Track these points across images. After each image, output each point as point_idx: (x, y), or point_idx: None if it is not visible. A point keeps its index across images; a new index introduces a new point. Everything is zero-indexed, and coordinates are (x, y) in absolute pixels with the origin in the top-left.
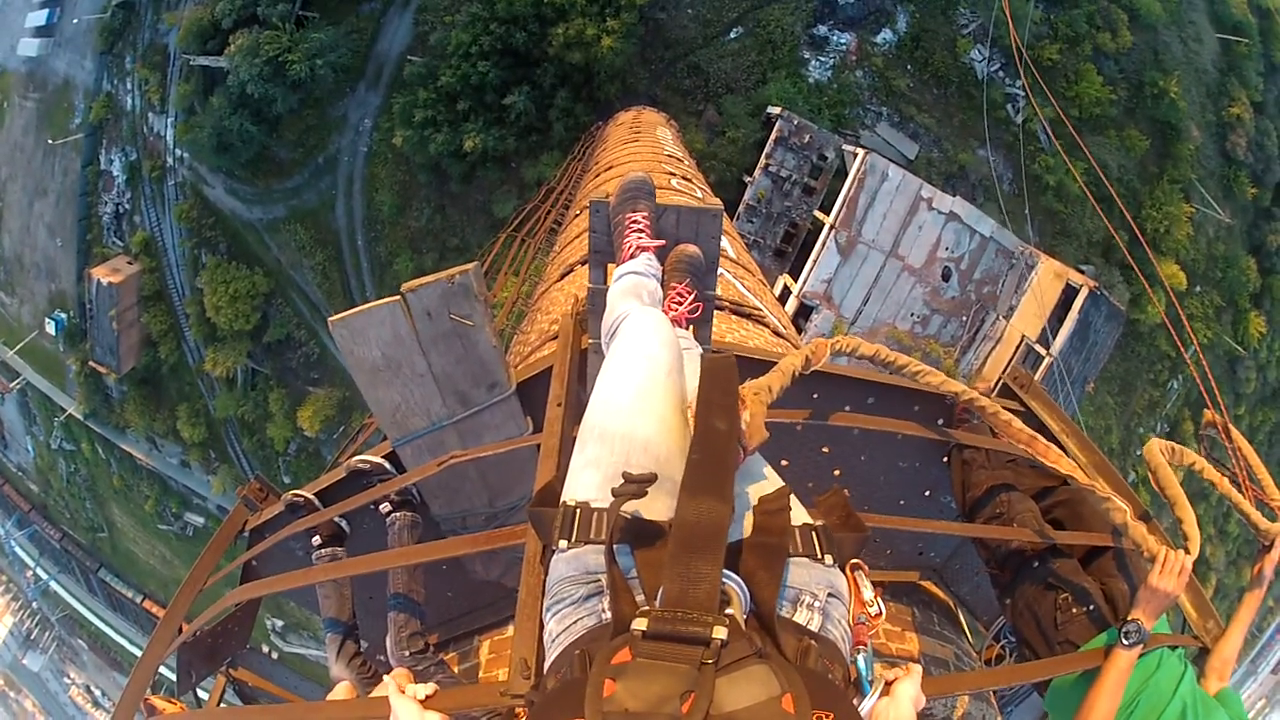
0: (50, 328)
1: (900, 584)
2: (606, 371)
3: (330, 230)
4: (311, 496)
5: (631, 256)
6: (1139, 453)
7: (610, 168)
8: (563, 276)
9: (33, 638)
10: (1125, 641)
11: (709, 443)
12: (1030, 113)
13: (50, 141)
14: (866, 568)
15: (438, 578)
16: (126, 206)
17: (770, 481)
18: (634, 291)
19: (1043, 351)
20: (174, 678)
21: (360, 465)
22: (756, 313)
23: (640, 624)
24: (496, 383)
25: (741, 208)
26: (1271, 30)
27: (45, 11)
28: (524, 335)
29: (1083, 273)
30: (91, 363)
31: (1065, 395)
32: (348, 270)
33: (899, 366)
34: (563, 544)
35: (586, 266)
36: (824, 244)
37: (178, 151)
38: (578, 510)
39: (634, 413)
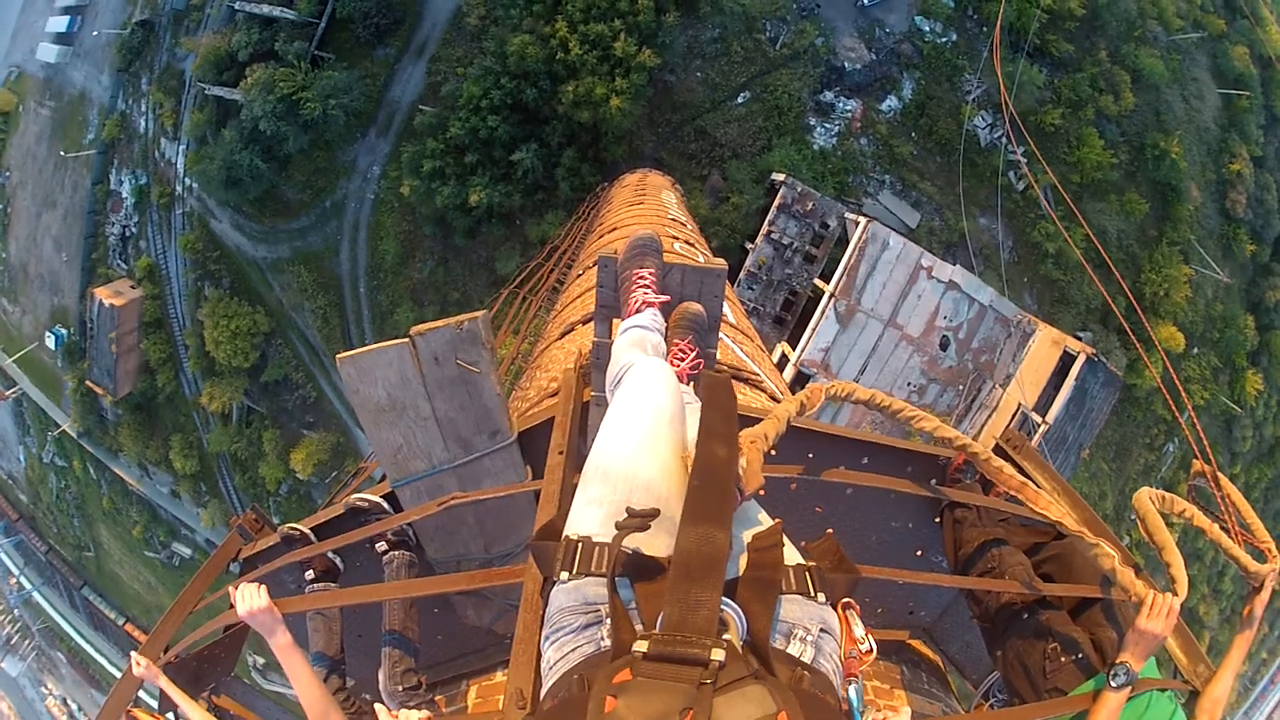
0: (50, 342)
1: (889, 642)
2: (611, 416)
3: (333, 275)
4: (307, 530)
5: (637, 311)
6: (1134, 517)
7: (614, 229)
8: (563, 335)
9: (12, 643)
10: (1113, 683)
11: (709, 470)
12: (1038, 172)
13: (62, 154)
14: (858, 607)
15: (429, 620)
16: (133, 230)
17: (764, 526)
18: (639, 344)
19: (1038, 419)
20: (153, 703)
21: (359, 503)
22: (754, 378)
23: (641, 646)
24: (499, 430)
25: (743, 274)
26: (1272, 79)
27: (66, 19)
28: (522, 391)
29: (1080, 339)
30: (89, 382)
31: (1060, 463)
32: (348, 316)
33: (894, 411)
34: (564, 575)
35: (587, 325)
36: (823, 312)
37: (187, 180)
38: (580, 544)
39: (637, 456)
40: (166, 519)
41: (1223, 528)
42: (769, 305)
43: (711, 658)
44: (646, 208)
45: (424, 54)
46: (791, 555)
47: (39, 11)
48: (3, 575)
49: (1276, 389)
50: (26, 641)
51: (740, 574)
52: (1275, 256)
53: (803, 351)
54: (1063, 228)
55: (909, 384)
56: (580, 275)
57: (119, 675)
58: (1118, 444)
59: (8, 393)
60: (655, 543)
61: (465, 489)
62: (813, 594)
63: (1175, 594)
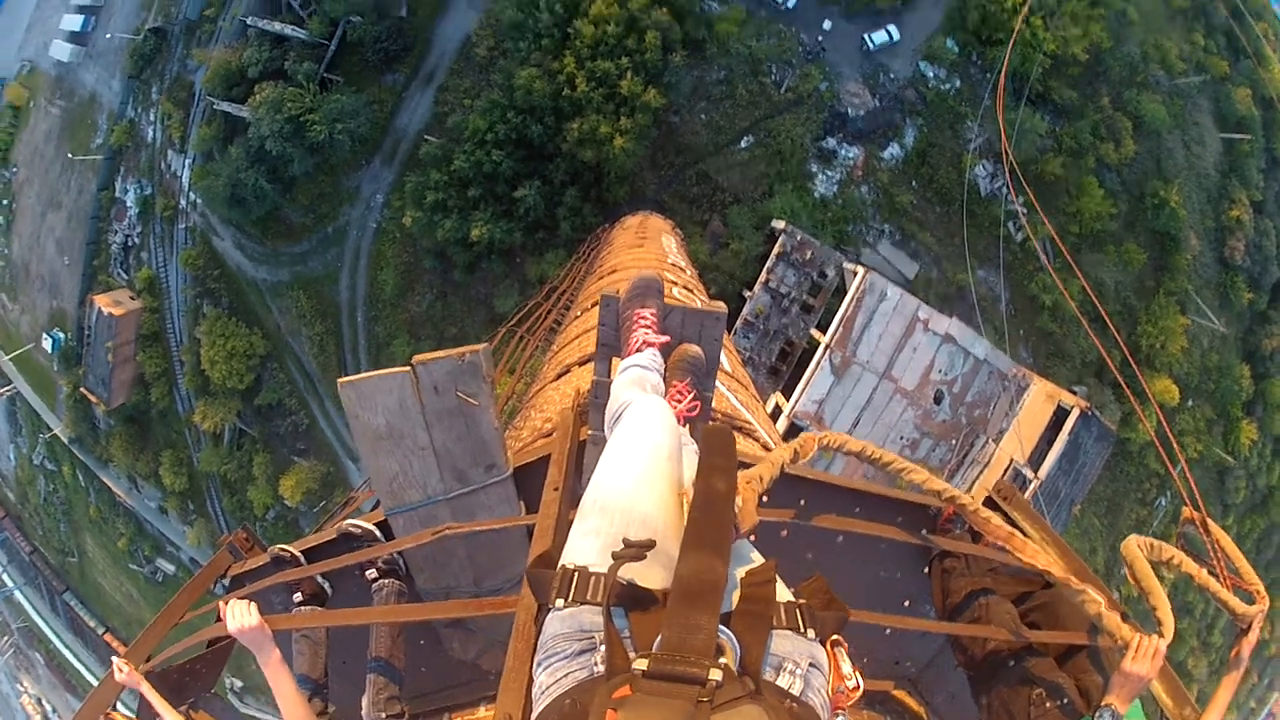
0: (47, 344)
1: (874, 692)
2: (610, 451)
3: (332, 302)
4: (298, 553)
5: (637, 350)
6: (1124, 572)
7: (614, 271)
8: (559, 376)
9: None
10: None
11: (709, 502)
12: (1035, 225)
13: (70, 155)
14: (846, 645)
15: (415, 651)
16: (135, 240)
17: (758, 564)
18: (638, 383)
19: (1030, 474)
20: (129, 713)
21: (351, 529)
22: (748, 426)
23: (641, 664)
24: (495, 464)
25: (739, 322)
26: (1274, 121)
27: (81, 17)
28: (516, 431)
29: (1075, 394)
30: (83, 389)
31: (1052, 518)
32: (345, 345)
33: (885, 463)
34: (559, 603)
35: (583, 367)
36: (818, 364)
37: (192, 195)
38: (576, 573)
39: (635, 490)
40: (152, 533)
41: (1211, 572)
42: (764, 355)
43: (710, 677)
44: (647, 251)
45: (432, 82)
46: (783, 593)
47: (54, 7)
48: None
49: (1271, 438)
50: (4, 638)
51: (734, 607)
52: (1273, 304)
53: (796, 403)
54: (1059, 281)
55: (902, 438)
56: (579, 316)
57: (95, 683)
58: (1110, 499)
59: (2, 390)
60: (650, 575)
61: (459, 520)
62: (803, 630)
63: (1161, 636)
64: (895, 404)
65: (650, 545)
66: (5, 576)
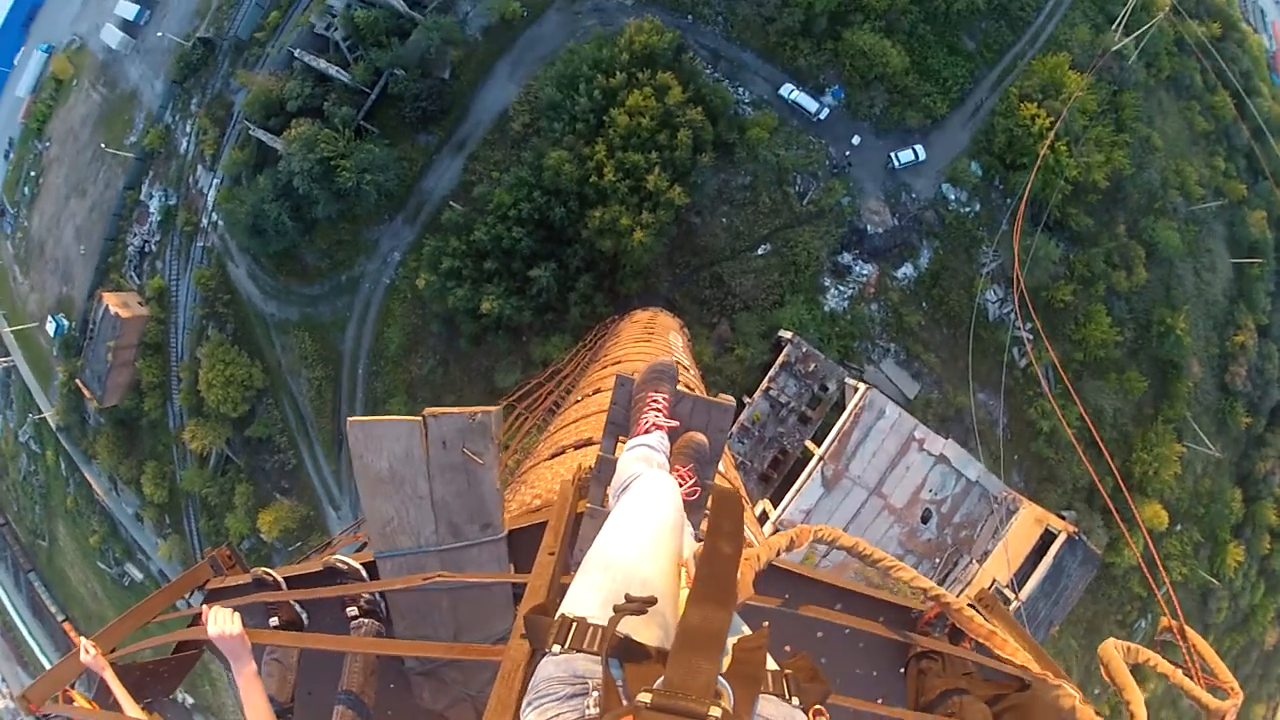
0: (50, 328)
1: None
2: (619, 515)
3: (335, 350)
4: (280, 578)
5: (646, 431)
6: (1098, 691)
7: (619, 362)
8: (553, 456)
9: None
10: None
11: (715, 562)
12: (1041, 350)
13: (103, 146)
14: (828, 714)
15: (384, 696)
16: (153, 248)
17: (748, 634)
18: (645, 460)
19: (1011, 595)
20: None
21: (338, 564)
22: None
23: (645, 697)
24: (491, 523)
25: (736, 427)
26: None
27: (136, 8)
28: (504, 504)
29: (1064, 518)
30: (78, 381)
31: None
32: (342, 395)
33: (874, 560)
34: (556, 648)
35: (579, 450)
36: (810, 475)
37: (214, 216)
38: (575, 623)
39: (639, 553)
40: (125, 538)
41: (1186, 673)
42: (757, 461)
43: (709, 714)
44: (653, 346)
45: (463, 150)
46: (770, 663)
47: None
48: None
49: (1257, 558)
50: None
51: (726, 669)
52: (1270, 426)
53: (784, 511)
54: (1058, 408)
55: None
56: (579, 401)
57: (48, 665)
58: (1089, 621)
59: (0, 360)
60: (646, 632)
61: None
62: (788, 697)
63: None
64: (882, 520)
65: (652, 601)
66: None
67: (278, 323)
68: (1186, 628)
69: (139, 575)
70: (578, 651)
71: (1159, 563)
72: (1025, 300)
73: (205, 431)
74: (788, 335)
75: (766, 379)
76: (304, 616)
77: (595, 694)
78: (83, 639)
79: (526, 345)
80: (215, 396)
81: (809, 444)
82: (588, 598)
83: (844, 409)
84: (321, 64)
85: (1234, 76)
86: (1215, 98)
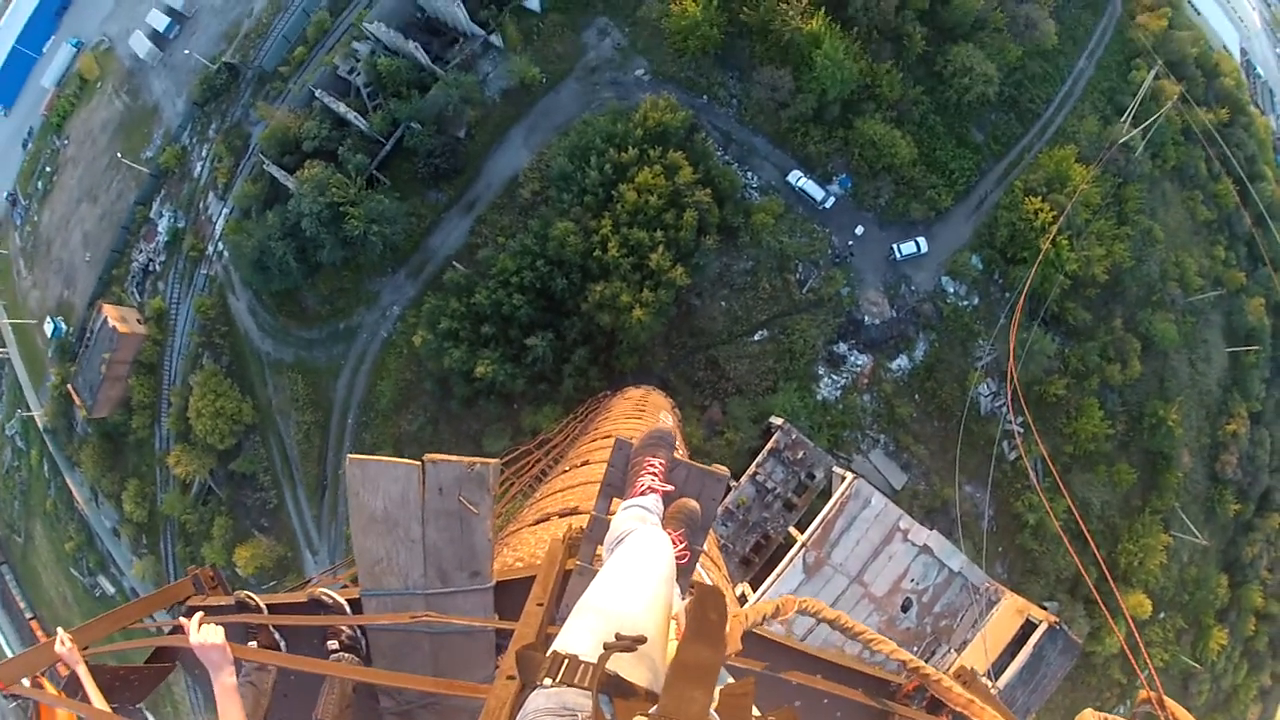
0: (48, 329)
1: None
2: (616, 564)
3: (327, 397)
4: (263, 604)
5: (642, 493)
6: None
7: (609, 436)
8: (537, 522)
9: None
10: None
11: (705, 610)
12: (1030, 445)
13: (119, 155)
14: None
15: None
16: (157, 268)
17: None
18: (640, 520)
19: (989, 683)
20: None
21: (323, 597)
22: None
23: (641, 718)
24: (480, 572)
25: (721, 510)
26: None
27: (168, 20)
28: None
29: (1046, 609)
30: (70, 386)
31: None
32: (330, 442)
33: (856, 633)
34: (548, 681)
35: (563, 519)
36: (792, 560)
37: (220, 246)
38: (567, 659)
39: (632, 600)
40: (100, 550)
41: None
42: (739, 545)
43: None
44: (644, 423)
45: (472, 211)
46: (755, 713)
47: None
48: None
49: (1240, 640)
50: None
51: (715, 707)
52: (1259, 511)
53: (764, 595)
54: (1046, 502)
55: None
56: (567, 471)
57: (9, 655)
58: (1067, 708)
59: None
60: (635, 672)
61: None
62: None
63: None
64: (861, 607)
65: (642, 640)
66: None
67: (272, 362)
68: (1166, 698)
69: (110, 589)
70: (568, 686)
71: (1141, 648)
72: (1018, 395)
73: (190, 459)
74: (778, 422)
75: (754, 464)
76: (282, 645)
77: None
78: (60, 630)
79: (517, 413)
80: (204, 426)
81: (792, 530)
82: (581, 638)
83: (830, 496)
84: (341, 108)
85: (1239, 163)
86: (1219, 186)
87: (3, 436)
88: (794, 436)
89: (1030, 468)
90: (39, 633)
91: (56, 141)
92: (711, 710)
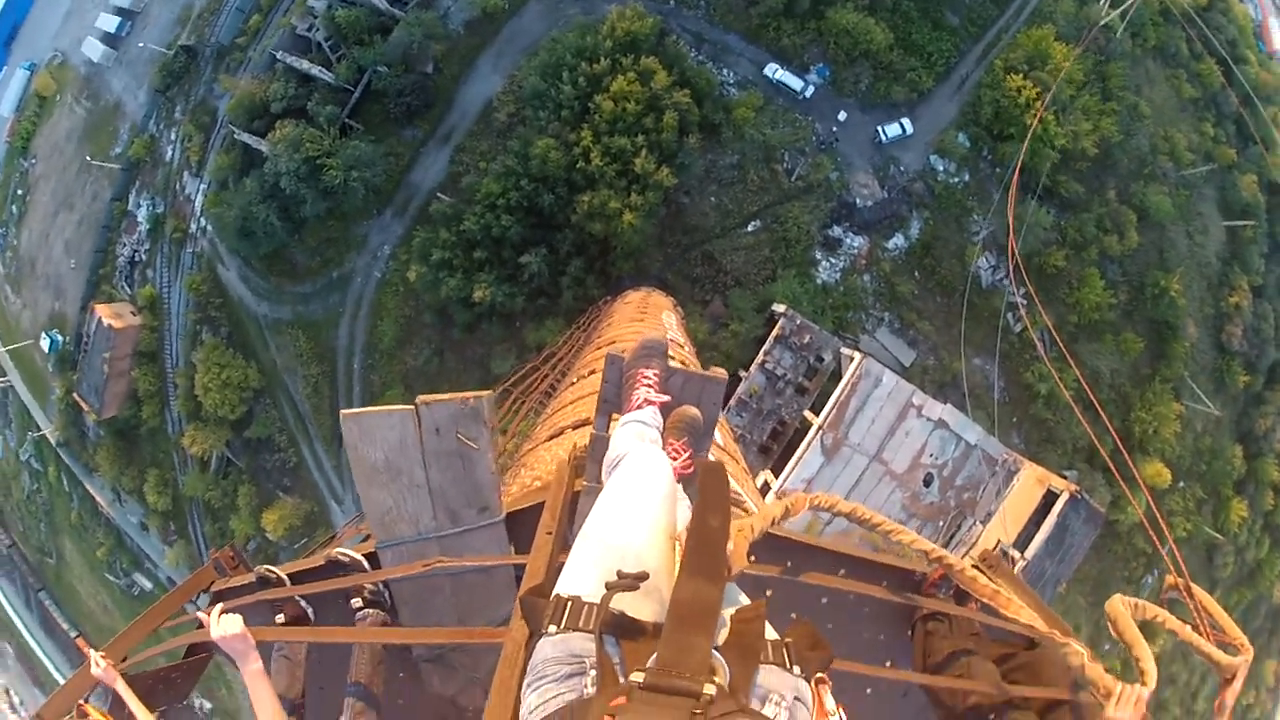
0: (45, 344)
1: None
2: (610, 492)
3: (330, 346)
4: (283, 575)
5: (638, 407)
6: (1107, 646)
7: (613, 343)
8: (551, 437)
9: None
10: None
11: (704, 536)
12: (1031, 319)
13: (88, 159)
14: (830, 682)
15: (394, 684)
16: (142, 257)
17: (746, 604)
18: (638, 437)
19: (1016, 555)
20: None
21: (340, 557)
22: (736, 498)
23: (638, 676)
24: (488, 507)
25: (733, 401)
26: (1279, 205)
27: (117, 20)
28: (505, 487)
29: (1065, 478)
30: (75, 395)
31: None
32: (339, 390)
33: (874, 524)
34: (552, 629)
35: (577, 430)
36: (809, 444)
37: (202, 221)
38: (570, 602)
39: (630, 529)
40: (132, 548)
41: (1195, 628)
42: (756, 434)
43: (704, 691)
44: (647, 325)
45: (449, 142)
46: (770, 633)
47: (94, 2)
48: None
49: (1260, 514)
50: None
51: (725, 640)
52: (1269, 385)
53: (785, 481)
54: (1055, 373)
55: (889, 519)
56: (575, 383)
57: (62, 681)
58: (1095, 578)
59: None
60: (641, 607)
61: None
62: (788, 666)
63: (1144, 685)
64: (884, 486)
65: (644, 577)
66: None
67: (271, 323)
68: (1193, 585)
69: (148, 584)
70: (574, 631)
71: (1161, 520)
72: (1020, 267)
73: (204, 435)
74: (781, 309)
75: (762, 352)
76: (310, 612)
77: (593, 673)
78: (92, 651)
79: (520, 331)
80: (213, 400)
81: (807, 414)
82: (582, 577)
83: (840, 379)
84: (304, 65)
85: (1220, 45)
86: (1201, 65)
87: (18, 464)
88: (798, 322)
89: (1037, 339)
90: (85, 649)
91: (24, 163)
92: (722, 638)
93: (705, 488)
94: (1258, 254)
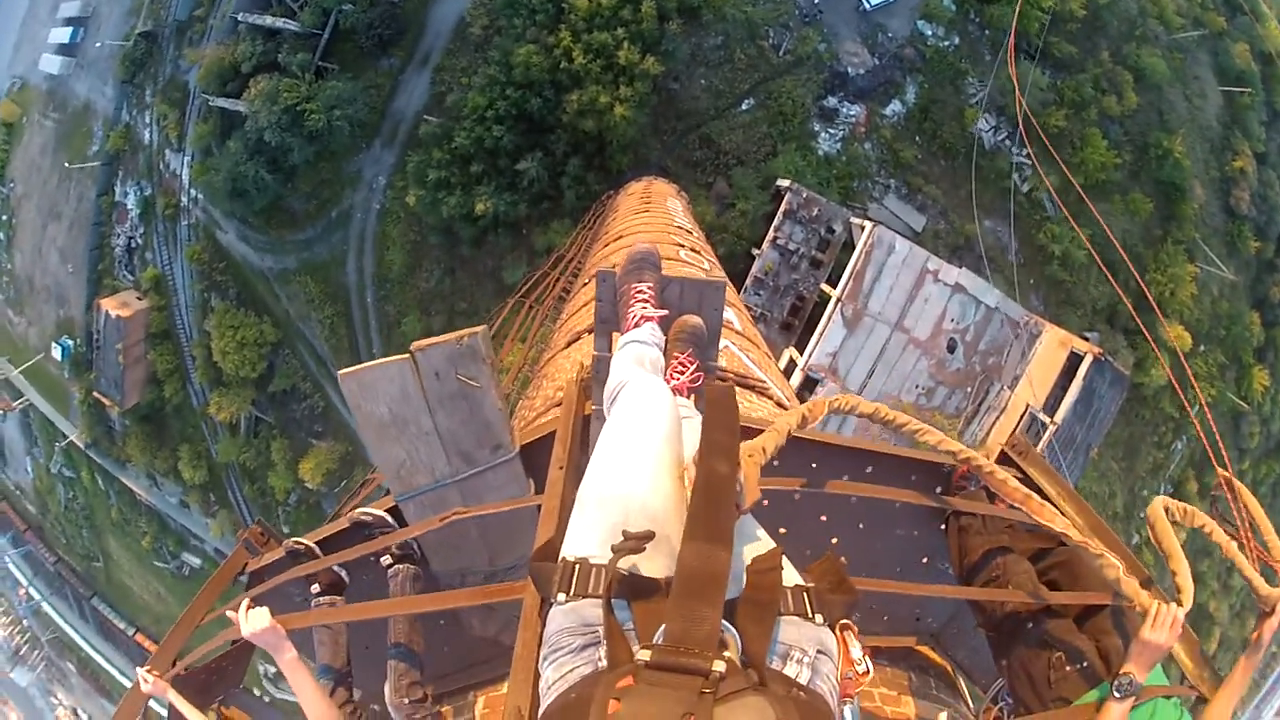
0: (56, 353)
1: (897, 649)
2: (606, 436)
3: (340, 285)
4: (313, 545)
5: (636, 326)
6: (1144, 514)
7: (620, 237)
8: (569, 344)
9: (22, 654)
10: (1117, 694)
11: (711, 488)
12: (1036, 181)
13: (67, 165)
14: (856, 629)
15: (435, 632)
16: (139, 241)
17: (763, 543)
18: (637, 360)
19: (1046, 420)
20: (164, 712)
21: (363, 517)
22: (760, 385)
23: (644, 655)
24: (500, 444)
25: (749, 280)
26: (1273, 76)
27: (69, 30)
28: (529, 401)
29: (1087, 340)
30: (96, 393)
31: (1070, 462)
32: (356, 327)
33: (898, 425)
34: (561, 597)
35: (591, 335)
36: (830, 317)
37: (192, 192)
38: (576, 566)
39: (632, 477)
40: (175, 529)
41: (1240, 544)
42: (776, 311)
43: (713, 669)
44: (652, 215)
45: (428, 64)
46: (790, 576)
47: (42, 22)
48: (11, 586)
49: None
50: (36, 652)
51: (740, 595)
52: (1279, 252)
53: (810, 356)
54: (1075, 223)
55: (917, 387)
56: (586, 284)
57: (129, 685)
58: (1126, 442)
59: (15, 403)
60: (652, 563)
61: (468, 502)
62: (810, 615)
63: (1180, 604)
64: (909, 354)
65: (649, 537)
66: (32, 590)
67: (278, 274)
68: (1241, 487)
69: (197, 562)
70: (584, 597)
71: (1191, 379)
72: (1031, 122)
73: (229, 400)
74: (786, 183)
75: (772, 229)
76: (344, 575)
77: (606, 643)
78: (139, 670)
79: (528, 237)
80: (232, 363)
81: (825, 287)
82: (587, 535)
83: (854, 249)
84: (267, 20)
85: None
86: None
87: (50, 478)
88: (804, 195)
89: (1047, 195)
90: (145, 643)
91: (3, 189)
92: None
93: (711, 425)
94: (1257, 121)
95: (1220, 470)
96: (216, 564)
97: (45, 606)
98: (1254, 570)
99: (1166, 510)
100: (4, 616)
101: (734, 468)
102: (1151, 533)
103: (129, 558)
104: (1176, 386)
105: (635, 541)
